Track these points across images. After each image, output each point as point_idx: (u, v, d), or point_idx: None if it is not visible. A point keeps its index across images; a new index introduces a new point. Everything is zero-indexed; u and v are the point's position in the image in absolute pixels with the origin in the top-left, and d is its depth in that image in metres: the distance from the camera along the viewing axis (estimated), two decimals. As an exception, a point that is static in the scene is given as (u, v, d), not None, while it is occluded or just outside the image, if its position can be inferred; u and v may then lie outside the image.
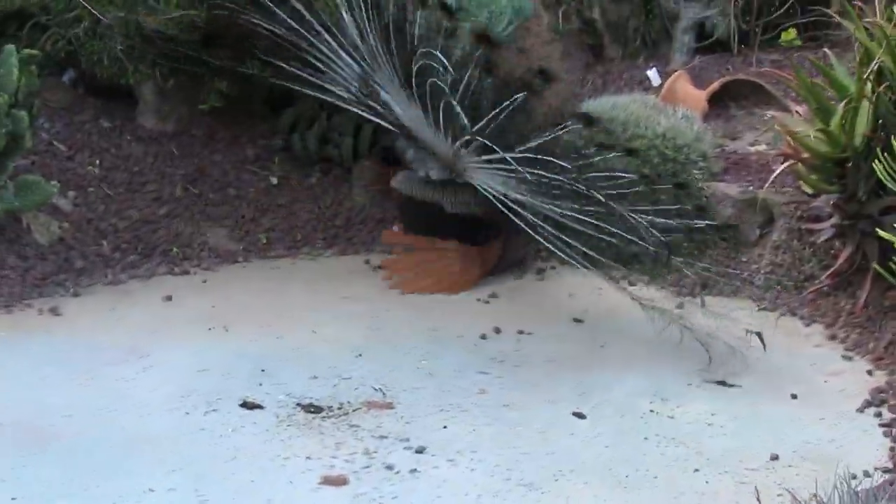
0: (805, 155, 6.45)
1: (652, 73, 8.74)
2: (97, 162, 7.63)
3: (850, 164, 6.34)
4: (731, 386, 6.05)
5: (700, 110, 7.94)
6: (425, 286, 7.38)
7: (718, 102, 8.29)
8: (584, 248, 6.59)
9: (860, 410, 5.79)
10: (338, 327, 6.60)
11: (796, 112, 6.98)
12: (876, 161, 5.81)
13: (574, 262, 6.62)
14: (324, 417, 5.52)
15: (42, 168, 7.39)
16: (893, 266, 5.73)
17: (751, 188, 7.31)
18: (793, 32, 9.18)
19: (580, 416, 5.65)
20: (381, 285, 7.32)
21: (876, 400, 5.85)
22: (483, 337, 6.51)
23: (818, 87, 6.63)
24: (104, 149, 7.75)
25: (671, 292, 7.19)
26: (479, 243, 7.54)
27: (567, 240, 6.61)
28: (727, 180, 7.47)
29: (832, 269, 6.62)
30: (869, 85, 6.29)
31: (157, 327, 6.47)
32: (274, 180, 7.93)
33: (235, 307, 6.79)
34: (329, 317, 6.73)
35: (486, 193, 6.79)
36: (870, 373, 6.11)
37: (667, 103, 7.99)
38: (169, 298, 6.88)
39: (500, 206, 6.77)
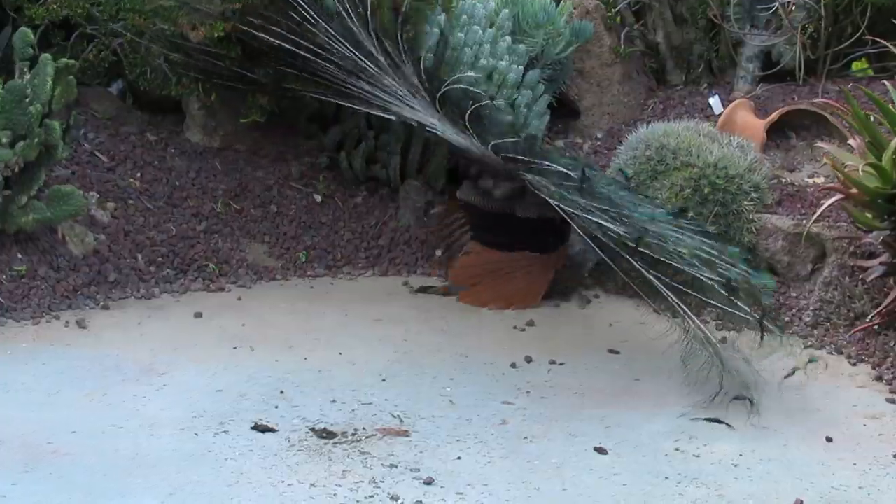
0: (853, 190, 6.16)
1: (714, 101, 8.50)
2: (139, 174, 7.53)
3: (901, 200, 5.97)
4: (729, 426, 5.79)
5: (758, 140, 7.64)
6: (499, 302, 7.29)
7: (779, 133, 7.98)
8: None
9: (896, 457, 5.41)
10: (365, 350, 6.44)
11: (850, 145, 6.64)
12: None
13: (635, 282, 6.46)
14: (336, 443, 5.36)
15: (81, 179, 7.30)
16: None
17: (804, 222, 6.96)
18: (864, 62, 8.82)
19: (601, 451, 5.45)
20: (418, 307, 7.19)
21: (916, 447, 5.47)
22: (513, 365, 6.31)
23: (872, 120, 6.31)
24: (147, 162, 7.63)
25: (716, 325, 6.84)
26: (549, 250, 7.40)
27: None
28: (780, 212, 7.19)
29: (881, 308, 6.31)
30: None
31: (181, 344, 6.33)
32: (318, 198, 7.80)
33: (265, 326, 6.66)
34: (358, 339, 6.58)
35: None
36: (917, 414, 5.73)
37: (724, 132, 7.72)
38: (199, 315, 6.74)
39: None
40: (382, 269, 7.62)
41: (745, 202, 7.16)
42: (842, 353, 6.57)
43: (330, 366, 6.20)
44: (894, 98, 6.54)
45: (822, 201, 6.89)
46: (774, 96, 8.61)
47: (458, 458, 5.32)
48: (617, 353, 6.56)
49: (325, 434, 5.43)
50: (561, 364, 6.40)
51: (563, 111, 8.93)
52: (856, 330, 6.51)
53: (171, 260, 7.22)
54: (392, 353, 6.41)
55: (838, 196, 6.42)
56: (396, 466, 5.19)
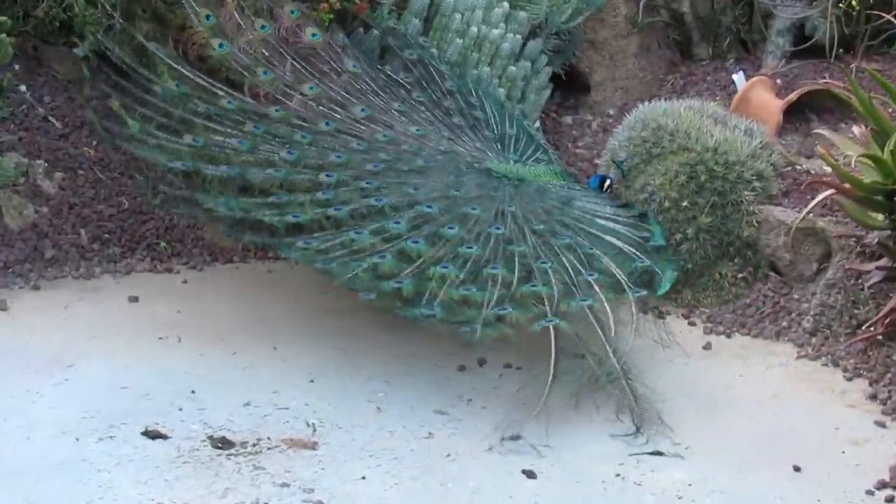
0: (846, 185, 5.41)
1: (738, 77, 7.76)
2: (94, 142, 6.83)
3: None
4: (672, 456, 5.10)
5: (773, 123, 6.88)
6: None
7: (799, 115, 7.18)
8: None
9: (870, 492, 4.90)
10: (303, 345, 5.91)
11: (855, 132, 5.88)
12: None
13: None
14: (230, 455, 4.81)
15: (28, 146, 6.80)
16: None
17: (811, 215, 6.20)
18: (908, 39, 8.02)
19: (530, 475, 4.86)
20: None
21: (894, 481, 4.84)
22: (462, 368, 5.73)
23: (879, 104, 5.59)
24: (105, 128, 6.95)
25: (704, 329, 6.15)
26: None
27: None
28: (785, 205, 6.45)
29: (878, 317, 5.58)
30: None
31: (102, 332, 5.87)
32: None
33: (202, 314, 6.15)
34: (299, 332, 6.06)
35: None
36: (900, 444, 5.01)
37: (737, 112, 6.98)
38: (135, 299, 6.23)
39: None
40: (353, 254, 6.83)
41: (746, 192, 6.49)
42: (838, 364, 5.91)
43: (258, 362, 5.65)
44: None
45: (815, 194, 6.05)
46: (805, 74, 7.87)
47: (363, 477, 4.77)
48: (584, 358, 5.81)
49: (222, 443, 4.86)
50: (517, 369, 5.80)
51: (576, 85, 8.18)
52: (854, 340, 5.75)
53: (119, 237, 6.69)
54: (330, 350, 5.86)
55: (830, 191, 5.62)
56: (289, 486, 4.63)
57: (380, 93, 6.41)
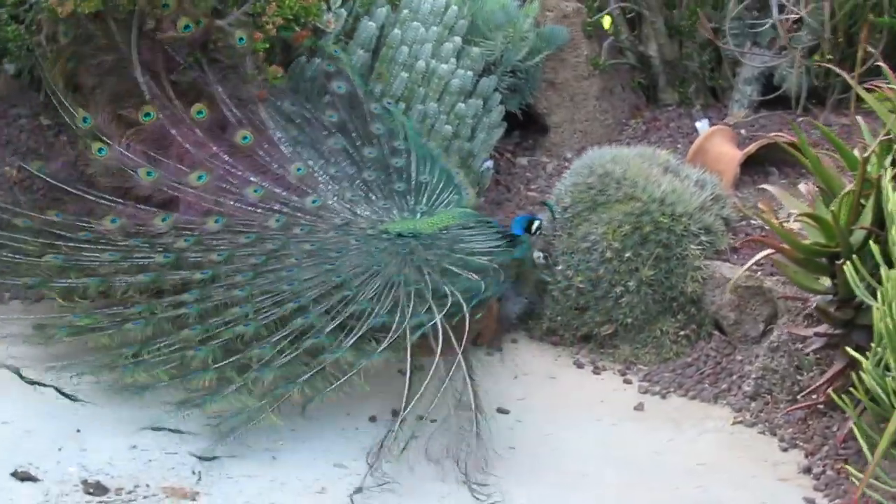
0: (784, 245, 5.06)
1: (701, 125, 7.46)
2: (17, 163, 6.47)
3: (841, 262, 4.87)
4: None
5: (731, 175, 6.52)
6: None
7: (759, 168, 6.82)
8: None
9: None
10: None
11: (801, 189, 5.55)
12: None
13: None
14: (101, 502, 4.39)
15: (-54, 164, 6.34)
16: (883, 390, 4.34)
17: (758, 273, 5.85)
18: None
19: (430, 540, 4.37)
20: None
21: (815, 565, 4.40)
22: (372, 419, 5.39)
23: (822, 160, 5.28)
24: (32, 149, 6.70)
25: (639, 388, 5.83)
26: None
27: None
28: (734, 261, 6.07)
29: (818, 384, 5.23)
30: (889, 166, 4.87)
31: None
32: None
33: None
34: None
35: None
36: (826, 532, 4.64)
37: (695, 162, 6.64)
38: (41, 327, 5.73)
39: None
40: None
41: (692, 246, 6.12)
42: (775, 433, 5.54)
43: (158, 401, 5.16)
44: (865, 136, 5.32)
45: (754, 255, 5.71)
46: (771, 125, 7.52)
47: (239, 536, 4.27)
48: (506, 412, 5.58)
49: (95, 489, 4.55)
50: (432, 421, 5.34)
51: (535, 126, 7.86)
52: (793, 408, 5.39)
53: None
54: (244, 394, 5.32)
55: (769, 250, 5.27)
56: (157, 540, 4.16)
57: (281, 151, 6.07)
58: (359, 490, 4.86)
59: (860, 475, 4.40)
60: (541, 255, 6.39)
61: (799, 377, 5.66)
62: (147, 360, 5.24)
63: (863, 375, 4.46)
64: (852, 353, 4.68)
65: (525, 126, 7.90)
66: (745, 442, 5.49)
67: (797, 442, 5.43)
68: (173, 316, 5.43)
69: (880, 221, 4.90)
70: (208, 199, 5.93)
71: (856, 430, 4.51)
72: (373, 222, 6.00)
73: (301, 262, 5.64)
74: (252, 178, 6.00)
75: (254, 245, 5.82)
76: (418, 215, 6.08)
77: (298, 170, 6.09)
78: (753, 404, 5.72)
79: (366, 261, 5.77)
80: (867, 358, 4.50)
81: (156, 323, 5.42)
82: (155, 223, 5.85)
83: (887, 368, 4.38)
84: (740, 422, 5.67)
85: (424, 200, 6.22)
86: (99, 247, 5.73)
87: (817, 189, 5.44)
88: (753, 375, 5.79)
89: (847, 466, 4.76)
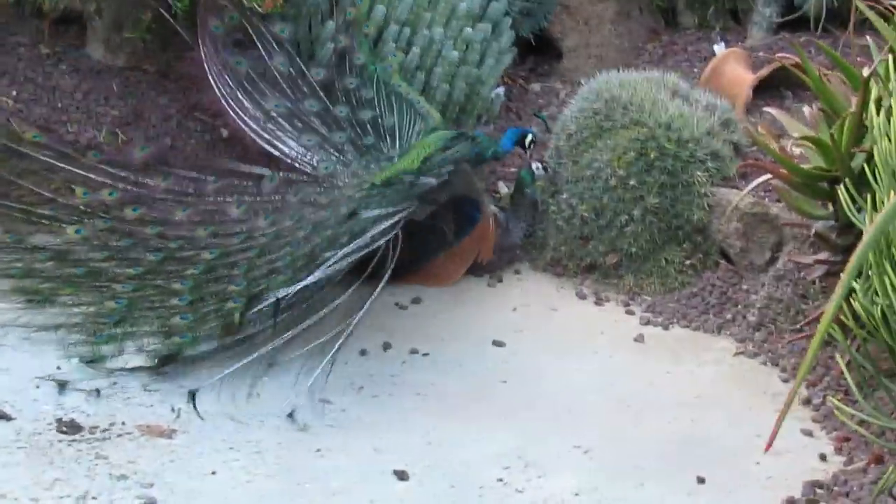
0: (783, 170, 4.90)
1: (718, 48, 7.29)
2: (14, 92, 6.40)
3: (841, 186, 4.70)
4: None
5: (741, 99, 6.33)
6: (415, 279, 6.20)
7: (774, 91, 6.62)
8: None
9: (773, 510, 4.22)
10: None
11: (805, 112, 5.36)
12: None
13: None
14: (74, 441, 4.40)
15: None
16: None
17: (766, 200, 5.68)
18: (908, 11, 7.39)
19: (401, 476, 4.44)
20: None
21: (805, 497, 4.39)
22: (363, 353, 5.30)
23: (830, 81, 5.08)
24: (29, 78, 6.67)
25: (641, 319, 5.75)
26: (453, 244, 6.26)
27: None
28: (742, 187, 5.88)
29: (815, 316, 5.07)
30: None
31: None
32: (225, 133, 6.59)
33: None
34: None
35: None
36: (823, 458, 4.57)
37: (709, 86, 6.46)
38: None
39: None
40: (281, 223, 6.37)
41: (699, 172, 5.95)
42: (777, 364, 5.41)
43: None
44: (874, 56, 5.13)
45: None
46: (791, 48, 7.19)
47: (213, 472, 4.35)
48: (502, 344, 5.48)
49: (69, 427, 4.48)
50: (424, 355, 5.36)
51: (551, 52, 7.69)
52: (795, 337, 5.25)
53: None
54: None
55: (766, 176, 5.10)
56: (127, 478, 4.22)
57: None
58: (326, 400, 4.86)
59: (847, 409, 4.24)
60: (539, 165, 6.26)
61: (804, 306, 5.53)
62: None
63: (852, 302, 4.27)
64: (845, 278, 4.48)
65: (540, 51, 7.69)
66: (745, 373, 5.36)
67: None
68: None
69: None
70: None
71: (839, 360, 4.35)
72: (359, 185, 5.74)
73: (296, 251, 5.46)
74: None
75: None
76: (395, 159, 5.82)
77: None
78: (757, 335, 5.58)
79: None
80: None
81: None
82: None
83: (877, 294, 4.20)
84: (742, 353, 5.54)
85: (397, 143, 6.01)
86: None
87: (820, 111, 5.21)
88: (758, 305, 5.66)
89: (833, 399, 4.57)
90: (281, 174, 5.86)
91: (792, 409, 4.65)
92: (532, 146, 6.20)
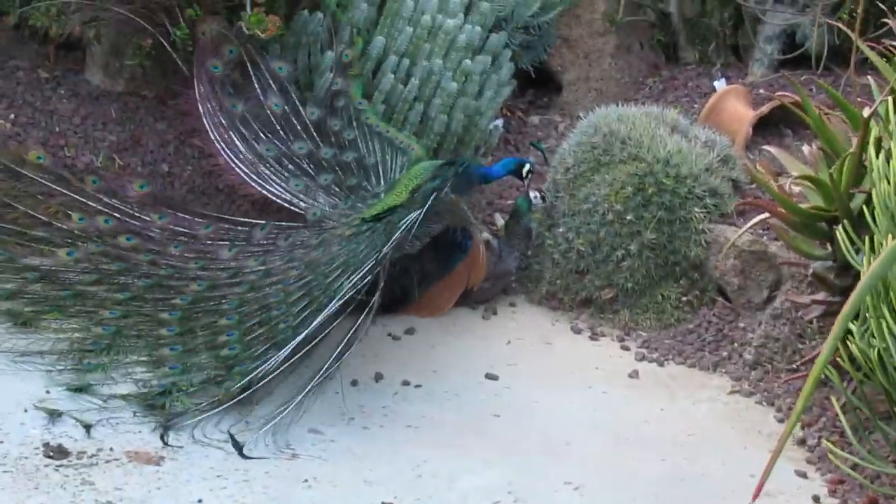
0: (780, 209, 4.86)
1: (719, 84, 7.24)
2: (12, 116, 6.37)
3: (839, 226, 4.67)
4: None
5: (741, 136, 6.31)
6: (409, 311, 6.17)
7: (773, 129, 6.60)
8: None
9: (755, 555, 4.19)
10: None
11: (804, 151, 5.33)
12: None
13: None
14: (60, 466, 4.36)
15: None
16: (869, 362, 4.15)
17: (764, 238, 5.65)
18: (909, 53, 7.37)
19: (389, 509, 4.23)
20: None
21: (795, 542, 4.23)
22: (354, 384, 5.25)
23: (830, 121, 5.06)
24: (28, 102, 6.63)
25: (636, 355, 5.67)
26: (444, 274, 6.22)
27: None
28: (740, 224, 5.85)
29: (812, 356, 5.03)
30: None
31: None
32: (222, 160, 6.54)
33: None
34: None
35: None
36: (817, 500, 4.58)
37: (708, 122, 6.44)
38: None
39: None
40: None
41: (696, 209, 5.90)
42: (773, 403, 5.36)
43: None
44: (875, 96, 5.11)
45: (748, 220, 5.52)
46: (791, 85, 7.16)
47: (199, 500, 4.31)
48: (495, 378, 5.42)
49: (57, 452, 4.42)
50: (416, 387, 5.31)
51: (550, 85, 7.66)
52: (791, 377, 5.20)
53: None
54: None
55: (765, 214, 5.07)
56: (111, 505, 4.03)
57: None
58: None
59: (840, 452, 4.20)
60: (537, 194, 6.25)
61: (801, 346, 5.49)
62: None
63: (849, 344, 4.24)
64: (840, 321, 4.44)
65: (539, 84, 7.67)
66: (740, 412, 5.33)
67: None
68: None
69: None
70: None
71: (834, 403, 4.31)
72: (349, 223, 5.71)
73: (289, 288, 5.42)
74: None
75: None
76: (381, 195, 5.78)
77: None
78: (753, 373, 5.54)
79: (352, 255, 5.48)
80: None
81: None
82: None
83: (873, 337, 4.16)
84: (737, 391, 5.50)
85: (382, 179, 5.97)
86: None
87: (819, 151, 5.19)
88: (755, 343, 5.62)
89: (827, 442, 4.53)
90: (272, 223, 5.75)
91: (786, 450, 4.67)
92: (529, 176, 6.16)
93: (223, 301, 5.27)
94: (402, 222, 5.46)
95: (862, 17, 7.06)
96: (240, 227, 5.79)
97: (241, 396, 4.88)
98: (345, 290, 5.09)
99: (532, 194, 6.23)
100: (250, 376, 4.91)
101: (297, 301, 5.15)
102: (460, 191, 6.10)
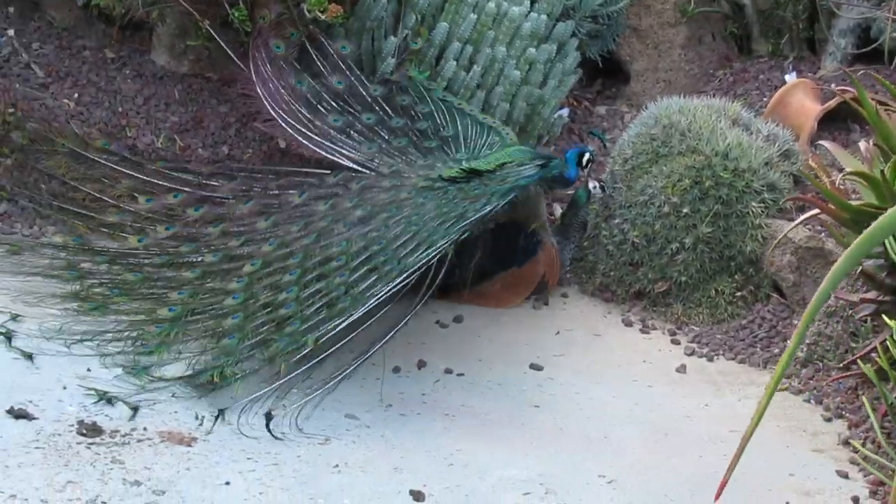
0: (830, 206, 4.79)
1: (790, 78, 7.14)
2: (76, 95, 6.44)
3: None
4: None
5: (806, 130, 6.22)
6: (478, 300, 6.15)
7: (841, 124, 6.49)
8: None
9: (793, 551, 4.15)
10: None
11: (861, 147, 5.24)
12: None
13: None
14: (93, 444, 4.37)
15: (2, 93, 6.28)
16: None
17: (821, 234, 5.57)
18: None
19: (418, 497, 4.34)
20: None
21: (826, 542, 4.17)
22: (396, 370, 5.22)
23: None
24: (93, 82, 6.68)
25: (685, 349, 5.59)
26: (519, 265, 6.18)
27: None
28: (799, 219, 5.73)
29: (863, 352, 4.93)
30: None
31: (27, 291, 5.39)
32: (283, 144, 6.57)
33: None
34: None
35: None
36: (856, 501, 4.47)
37: (775, 116, 6.35)
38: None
39: None
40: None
41: (754, 203, 5.82)
42: (821, 402, 5.28)
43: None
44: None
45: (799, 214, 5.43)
46: (863, 80, 7.05)
47: (227, 483, 4.28)
48: (539, 368, 5.38)
49: (90, 430, 4.44)
50: (459, 375, 5.27)
51: (619, 75, 7.61)
52: (841, 376, 5.11)
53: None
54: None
55: (814, 211, 4.99)
56: (140, 485, 4.17)
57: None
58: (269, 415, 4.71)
59: (874, 457, 4.13)
60: (596, 185, 6.22)
61: (853, 344, 5.38)
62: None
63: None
64: (887, 321, 4.39)
65: (608, 74, 7.60)
66: (786, 410, 5.24)
67: (843, 412, 5.18)
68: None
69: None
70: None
71: (865, 404, 4.22)
72: (426, 175, 5.71)
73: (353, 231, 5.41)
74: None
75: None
76: (463, 162, 5.79)
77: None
78: (804, 371, 5.46)
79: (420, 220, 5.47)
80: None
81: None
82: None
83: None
84: (786, 388, 5.40)
85: (463, 148, 5.96)
86: None
87: (875, 147, 5.09)
88: (807, 341, 5.49)
89: (855, 442, 4.44)
90: (343, 172, 5.79)
91: (830, 450, 4.62)
92: (590, 165, 6.10)
93: (290, 257, 5.27)
94: (485, 201, 5.43)
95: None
96: (310, 178, 5.82)
97: (298, 371, 4.85)
98: (416, 261, 5.07)
99: (591, 184, 6.18)
100: (317, 334, 4.89)
101: (360, 264, 5.19)
102: (543, 188, 6.06)
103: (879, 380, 4.44)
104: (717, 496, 2.67)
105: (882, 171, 4.72)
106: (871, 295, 5.09)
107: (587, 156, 6.15)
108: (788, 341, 5.64)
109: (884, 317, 4.60)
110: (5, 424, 4.44)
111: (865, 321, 5.34)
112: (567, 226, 6.19)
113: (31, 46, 6.68)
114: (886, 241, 4.49)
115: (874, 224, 2.34)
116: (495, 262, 6.00)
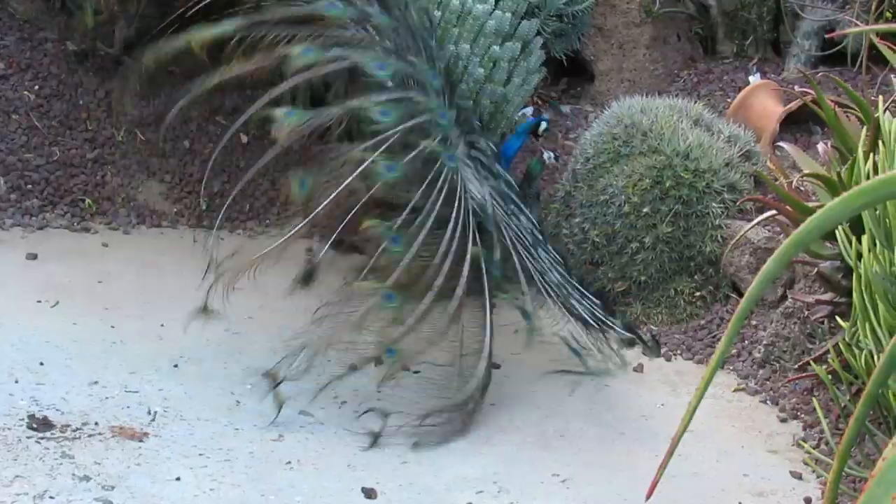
0: (787, 207, 4.79)
1: (754, 79, 7.14)
2: (36, 87, 6.39)
3: (839, 227, 4.59)
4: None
5: (768, 132, 6.22)
6: None
7: (803, 126, 6.49)
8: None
9: (744, 552, 4.13)
10: (196, 322, 5.14)
11: (819, 149, 5.25)
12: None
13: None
14: (42, 439, 4.34)
15: (-45, 87, 6.26)
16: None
17: (781, 236, 5.57)
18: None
19: (369, 495, 4.32)
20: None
21: (778, 542, 4.17)
22: (353, 368, 5.05)
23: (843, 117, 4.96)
24: (53, 74, 6.63)
25: (643, 349, 5.56)
26: None
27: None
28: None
29: (818, 354, 4.94)
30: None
31: (-25, 287, 5.24)
32: (245, 139, 6.53)
33: (100, 280, 5.65)
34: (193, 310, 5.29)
35: None
36: (808, 502, 4.48)
37: (737, 117, 6.35)
38: (33, 257, 5.80)
39: None
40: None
41: (714, 204, 5.80)
42: (777, 403, 5.26)
43: (133, 338, 5.21)
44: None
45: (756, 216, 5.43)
46: (827, 82, 7.09)
47: (178, 478, 4.25)
48: (497, 367, 5.40)
49: (40, 425, 4.41)
50: (414, 372, 5.20)
51: (585, 75, 7.57)
52: (796, 377, 5.09)
53: (42, 189, 6.24)
54: (222, 333, 5.34)
55: (772, 212, 4.99)
56: (89, 480, 4.15)
57: None
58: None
59: (826, 459, 4.13)
60: (551, 154, 6.19)
61: (810, 345, 5.36)
62: None
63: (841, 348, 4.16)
64: (841, 322, 4.40)
65: (573, 73, 7.58)
66: (742, 410, 5.24)
67: (798, 413, 5.17)
68: None
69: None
70: None
71: (816, 406, 4.22)
72: None
73: None
74: None
75: None
76: None
77: None
78: (761, 372, 5.46)
79: None
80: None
81: None
82: None
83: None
84: (742, 389, 5.41)
85: None
86: None
87: (833, 149, 5.09)
88: (764, 342, 5.49)
89: (805, 445, 4.45)
90: None
91: (784, 450, 4.59)
92: (544, 133, 6.10)
93: None
94: None
95: (902, 14, 6.92)
96: None
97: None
98: None
99: (546, 154, 6.15)
100: None
101: None
102: None
103: (832, 382, 4.42)
104: (649, 495, 2.62)
105: (838, 173, 4.71)
106: (827, 297, 5.09)
107: (543, 125, 6.14)
108: (746, 342, 5.62)
109: (837, 318, 4.58)
110: (-46, 419, 4.35)
111: (822, 323, 5.32)
112: (524, 198, 6.16)
113: (-10, 38, 6.59)
114: (841, 244, 4.46)
115: (800, 228, 2.31)
116: None
